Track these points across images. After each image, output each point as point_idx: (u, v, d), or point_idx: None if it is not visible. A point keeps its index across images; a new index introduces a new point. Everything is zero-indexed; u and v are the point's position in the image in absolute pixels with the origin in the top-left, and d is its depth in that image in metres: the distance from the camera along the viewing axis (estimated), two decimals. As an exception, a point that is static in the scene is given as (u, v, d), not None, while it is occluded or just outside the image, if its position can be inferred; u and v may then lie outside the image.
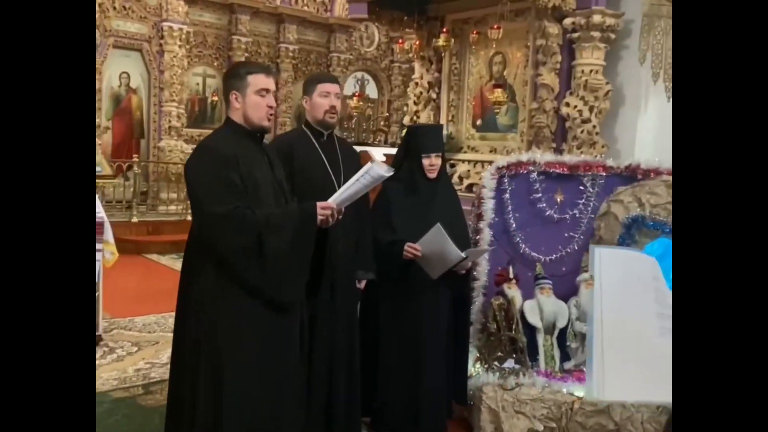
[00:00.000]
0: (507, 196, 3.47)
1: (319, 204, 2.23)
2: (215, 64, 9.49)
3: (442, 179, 3.15)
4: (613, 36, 3.84)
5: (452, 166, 4.63)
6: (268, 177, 2.27)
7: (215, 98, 9.47)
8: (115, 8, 8.29)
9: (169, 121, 8.76)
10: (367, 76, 11.35)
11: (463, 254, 2.88)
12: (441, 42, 4.26)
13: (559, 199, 3.51)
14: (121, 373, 3.63)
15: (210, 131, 8.21)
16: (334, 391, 2.77)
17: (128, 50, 8.56)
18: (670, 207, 3.36)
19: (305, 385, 2.65)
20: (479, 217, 3.48)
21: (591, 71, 3.84)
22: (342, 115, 11.32)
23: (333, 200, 2.28)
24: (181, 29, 8.72)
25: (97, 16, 8.01)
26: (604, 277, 2.45)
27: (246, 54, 9.54)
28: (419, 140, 3.07)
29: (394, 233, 3.03)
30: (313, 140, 2.79)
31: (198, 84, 9.41)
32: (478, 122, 4.60)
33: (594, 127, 3.87)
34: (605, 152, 3.92)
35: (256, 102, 2.24)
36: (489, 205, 3.45)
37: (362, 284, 2.98)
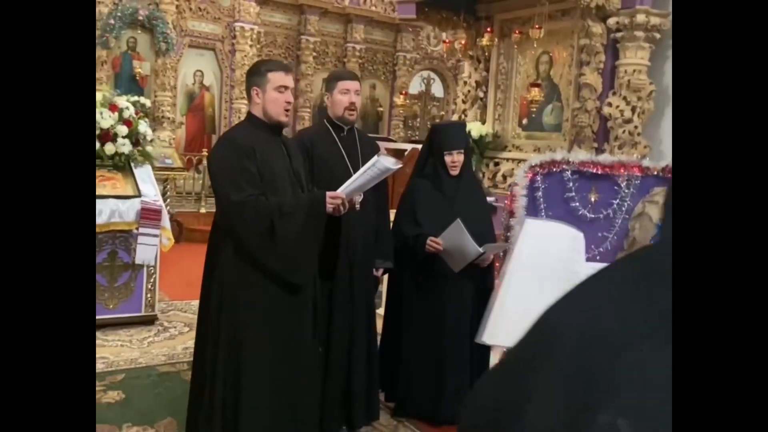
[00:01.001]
0: (540, 194, 3.51)
1: (329, 193, 2.38)
2: (285, 63, 9.82)
3: (465, 175, 3.24)
4: (658, 36, 3.79)
5: (496, 164, 4.67)
6: (284, 167, 2.44)
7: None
8: (191, 9, 8.73)
9: (239, 117, 9.12)
10: (433, 75, 11.42)
11: (480, 249, 2.96)
12: (485, 41, 4.32)
13: (593, 199, 3.51)
14: (170, 350, 3.90)
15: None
16: (353, 375, 2.90)
17: (202, 49, 8.99)
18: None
19: (324, 370, 2.81)
20: (511, 213, 3.53)
21: (634, 71, 3.81)
22: (408, 114, 11.47)
23: (341, 191, 2.42)
24: (252, 29, 9.08)
25: (174, 17, 8.48)
26: (525, 244, 2.48)
27: (314, 53, 9.83)
28: (442, 138, 3.16)
29: (418, 227, 3.14)
30: (334, 135, 2.93)
31: (267, 82, 9.77)
32: (524, 121, 4.62)
33: (636, 127, 3.84)
34: (647, 153, 3.87)
35: (275, 98, 2.41)
36: (521, 202, 3.49)
37: (380, 272, 3.10)
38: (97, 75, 8.02)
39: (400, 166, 2.61)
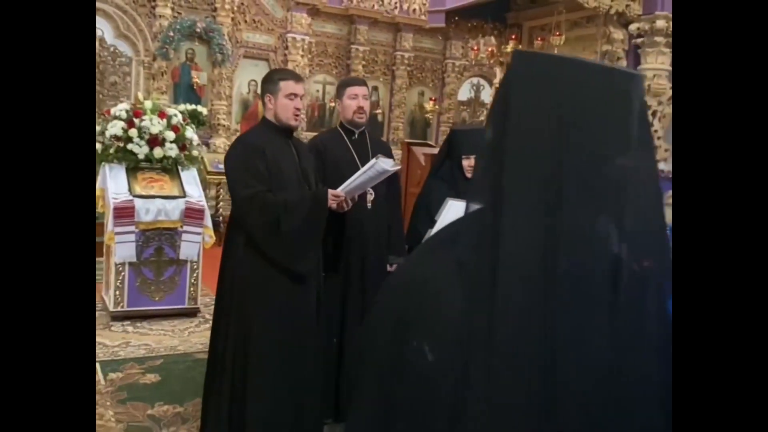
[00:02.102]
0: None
1: (331, 191, 2.59)
2: (334, 72, 10.13)
3: None
4: (678, 40, 3.84)
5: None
6: (293, 166, 2.66)
7: (332, 104, 10.10)
8: (246, 21, 9.15)
9: (290, 125, 9.50)
10: (482, 82, 11.51)
11: None
12: (509, 48, 4.45)
13: (607, 201, 3.59)
14: (207, 340, 4.18)
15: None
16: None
17: (256, 60, 9.39)
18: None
19: (338, 361, 3.00)
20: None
21: (654, 76, 3.87)
22: (456, 120, 11.60)
23: (341, 189, 2.62)
24: (303, 40, 9.43)
25: (230, 29, 8.92)
26: (444, 218, 2.64)
27: (363, 62, 10.10)
28: (460, 142, 3.31)
29: (427, 225, 3.30)
30: (345, 138, 3.14)
31: (318, 91, 10.09)
32: (551, 126, 4.72)
33: (656, 131, 3.88)
34: (668, 157, 3.91)
35: (285, 104, 2.64)
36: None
37: (393, 268, 3.28)
38: (158, 85, 8.54)
39: (399, 168, 2.79)
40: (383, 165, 2.63)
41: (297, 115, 2.72)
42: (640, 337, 0.88)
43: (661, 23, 3.75)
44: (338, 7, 9.82)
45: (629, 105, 0.82)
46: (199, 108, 8.55)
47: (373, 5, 9.97)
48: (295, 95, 2.69)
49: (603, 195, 0.87)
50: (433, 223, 3.43)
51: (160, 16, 8.42)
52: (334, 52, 10.08)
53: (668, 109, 3.90)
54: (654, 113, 3.90)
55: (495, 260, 0.86)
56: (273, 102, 2.69)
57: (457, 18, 4.76)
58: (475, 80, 11.57)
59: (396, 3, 10.12)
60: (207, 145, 8.64)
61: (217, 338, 2.72)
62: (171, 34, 8.43)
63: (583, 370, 0.87)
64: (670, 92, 3.87)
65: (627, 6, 3.85)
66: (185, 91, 8.79)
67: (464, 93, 11.28)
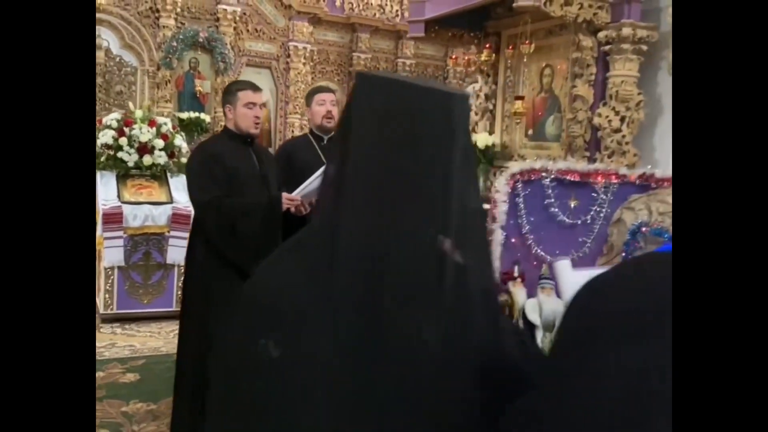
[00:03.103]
0: (520, 200, 3.69)
1: (286, 195, 2.71)
2: (336, 79, 10.27)
3: None
4: (644, 48, 3.90)
5: (502, 173, 4.85)
6: (253, 172, 2.79)
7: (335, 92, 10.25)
8: (248, 31, 9.34)
9: (293, 131, 9.64)
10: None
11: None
12: (484, 57, 4.54)
13: (572, 205, 3.66)
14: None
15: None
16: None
17: (259, 68, 9.57)
18: (676, 215, 3.40)
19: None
20: (493, 219, 3.73)
21: (622, 82, 3.93)
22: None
23: (296, 193, 2.74)
24: (305, 48, 9.58)
25: (232, 38, 9.10)
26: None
27: (365, 69, 10.22)
28: None
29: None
30: (315, 144, 3.26)
31: (321, 97, 10.23)
32: (530, 132, 4.79)
33: (624, 137, 3.95)
34: (636, 161, 3.98)
35: (245, 113, 2.78)
36: (502, 208, 3.69)
37: None
38: (162, 94, 8.75)
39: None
40: None
41: (257, 124, 2.85)
42: (465, 333, 0.98)
43: (627, 31, 3.82)
44: (340, 16, 9.97)
45: (452, 123, 0.91)
46: (202, 116, 8.75)
47: (375, 13, 10.11)
48: (254, 104, 2.82)
49: (429, 207, 0.95)
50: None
51: (163, 26, 8.64)
52: (336, 59, 10.23)
53: (636, 115, 3.96)
54: (623, 119, 3.96)
55: (333, 260, 0.96)
56: (233, 112, 2.82)
57: (437, 27, 4.86)
58: (478, 85, 11.64)
59: (397, 11, 10.24)
60: (210, 152, 8.82)
61: (181, 340, 2.85)
62: (174, 44, 8.64)
63: (412, 363, 0.96)
64: (638, 98, 3.93)
65: (595, 14, 3.92)
66: (189, 99, 8.99)
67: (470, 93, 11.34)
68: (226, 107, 2.84)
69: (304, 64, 9.64)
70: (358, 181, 0.93)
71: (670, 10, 3.80)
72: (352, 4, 10.07)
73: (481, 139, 4.81)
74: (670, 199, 3.40)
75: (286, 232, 2.86)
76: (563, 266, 2.59)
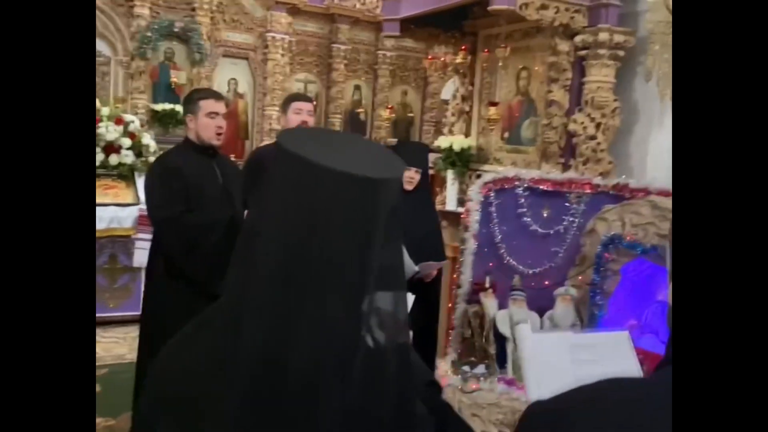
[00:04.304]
0: (493, 209, 3.62)
1: (249, 212, 2.62)
2: (315, 71, 10.13)
3: (419, 192, 3.40)
4: (621, 53, 3.83)
5: (478, 176, 4.78)
6: (215, 186, 2.69)
7: (314, 103, 10.12)
8: (225, 21, 9.15)
9: (270, 124, 9.50)
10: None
11: (416, 268, 3.13)
12: (459, 59, 4.45)
13: (545, 215, 3.60)
14: (156, 347, 4.24)
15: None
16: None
17: (236, 59, 9.39)
18: (649, 228, 3.35)
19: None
20: (465, 228, 3.65)
21: (598, 88, 3.86)
22: (440, 119, 11.58)
23: None
24: (283, 39, 9.41)
25: (209, 28, 8.91)
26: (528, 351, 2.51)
27: (345, 61, 10.09)
28: (403, 154, 3.34)
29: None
30: None
31: (300, 89, 10.07)
32: (506, 135, 4.72)
33: (599, 144, 3.89)
34: (611, 169, 3.92)
35: (206, 123, 2.67)
36: (475, 217, 3.62)
37: None
38: (136, 85, 8.54)
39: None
40: None
41: (219, 134, 2.74)
42: (374, 410, 0.91)
43: (603, 36, 3.74)
44: (319, 6, 9.80)
45: (373, 209, 0.84)
46: (177, 107, 8.57)
47: (355, 4, 9.95)
48: (216, 114, 2.72)
49: (342, 293, 0.88)
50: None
51: (137, 15, 8.42)
52: (315, 50, 10.06)
53: (612, 122, 3.90)
54: (598, 125, 3.89)
55: (235, 344, 0.89)
56: (194, 121, 2.71)
57: (412, 26, 4.75)
58: (454, 87, 11.55)
59: (377, 2, 10.09)
60: (185, 144, 8.66)
61: (140, 356, 2.76)
62: (149, 34, 8.43)
63: None
64: (614, 104, 3.87)
65: (572, 18, 3.84)
66: (164, 90, 8.79)
67: (448, 92, 11.25)
68: (187, 117, 2.73)
69: (282, 55, 9.47)
70: (268, 259, 0.86)
71: (648, 15, 3.73)
72: (332, -7, 9.91)
73: (457, 141, 4.73)
74: (644, 210, 3.34)
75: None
76: (524, 331, 2.50)
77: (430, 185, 3.54)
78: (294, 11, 9.58)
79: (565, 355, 2.31)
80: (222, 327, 0.92)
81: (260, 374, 0.88)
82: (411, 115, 10.93)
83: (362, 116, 10.52)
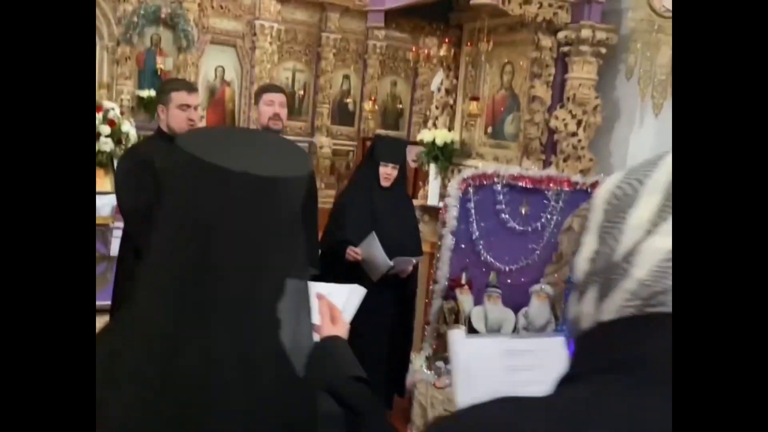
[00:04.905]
0: (471, 205, 3.60)
1: None
2: (304, 59, 10.06)
3: (397, 188, 3.38)
4: (604, 50, 3.81)
5: (461, 171, 4.76)
6: None
7: (302, 92, 10.06)
8: (212, 7, 9.06)
9: (257, 114, 9.43)
10: (457, 73, 11.44)
11: (390, 263, 3.11)
12: (443, 52, 4.41)
13: (523, 212, 3.59)
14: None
15: (298, 123, 8.93)
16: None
17: (223, 46, 9.31)
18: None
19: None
20: (443, 224, 3.64)
21: (580, 85, 3.84)
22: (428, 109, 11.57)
23: None
24: (272, 27, 9.33)
25: (196, 14, 8.82)
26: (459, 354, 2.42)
27: (334, 50, 10.02)
28: (381, 150, 3.32)
29: (344, 235, 3.30)
30: None
31: (288, 78, 10.02)
32: (489, 129, 4.70)
33: (579, 141, 3.87)
34: (592, 166, 3.91)
35: (177, 114, 2.63)
36: (453, 213, 3.60)
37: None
38: (121, 71, 8.45)
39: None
40: None
41: (191, 126, 2.70)
42: None
43: (586, 32, 3.72)
44: (308, -6, 9.73)
45: (270, 211, 0.82)
46: (163, 95, 8.50)
47: (345, -8, 9.88)
48: (188, 106, 2.68)
49: (231, 307, 0.85)
50: (344, 228, 3.44)
51: (124, 1, 8.32)
52: (304, 39, 10.00)
53: (593, 119, 3.88)
54: (579, 122, 3.88)
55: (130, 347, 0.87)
56: (165, 112, 2.68)
57: (398, 17, 4.71)
58: (439, 79, 11.50)
59: (368, -9, 10.02)
60: (171, 132, 8.59)
61: None
62: (135, 19, 8.34)
63: None
64: (595, 102, 3.85)
65: (555, 14, 3.81)
66: (150, 77, 8.71)
67: (436, 84, 11.20)
68: (159, 107, 2.70)
69: (270, 43, 9.40)
70: (166, 262, 0.84)
71: (630, 12, 3.71)
72: (323, -17, 9.83)
73: (440, 135, 4.71)
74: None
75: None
76: (456, 336, 2.42)
77: (407, 180, 3.51)
78: (283, -1, 9.51)
79: (497, 361, 2.29)
80: (122, 326, 0.91)
81: (150, 378, 0.86)
82: (400, 106, 10.88)
83: (350, 106, 10.47)
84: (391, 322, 3.35)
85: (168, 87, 2.70)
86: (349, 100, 10.44)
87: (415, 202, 4.95)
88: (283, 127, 3.18)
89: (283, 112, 3.14)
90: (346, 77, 10.48)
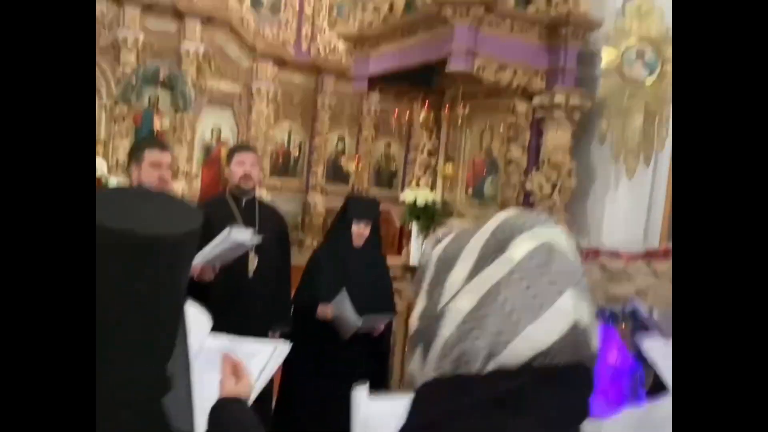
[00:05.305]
0: (446, 266, 3.61)
1: None
2: (299, 120, 10.26)
3: (369, 248, 3.40)
4: (578, 116, 3.90)
5: (426, 238, 4.80)
6: None
7: (297, 152, 10.23)
8: (211, 70, 9.31)
9: (252, 172, 9.55)
10: (450, 135, 11.66)
11: (359, 323, 3.12)
12: (422, 116, 4.52)
13: (498, 273, 3.59)
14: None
15: (293, 181, 8.95)
16: None
17: (220, 106, 9.52)
18: (598, 290, 3.35)
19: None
20: (418, 283, 3.64)
21: (554, 149, 3.92)
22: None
23: (196, 260, 2.63)
24: (268, 90, 9.57)
25: (194, 76, 9.06)
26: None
27: (329, 113, 10.24)
28: (353, 209, 3.36)
29: (316, 293, 3.31)
30: (232, 205, 3.17)
31: (283, 138, 10.20)
32: (470, 190, 4.76)
33: (554, 204, 3.92)
34: (568, 229, 3.94)
35: (149, 173, 2.68)
36: (429, 273, 3.61)
37: (277, 335, 3.27)
38: (118, 129, 8.63)
39: (257, 241, 2.79)
40: (237, 236, 2.64)
41: (162, 184, 2.75)
42: None
43: (559, 98, 3.81)
44: (305, 59, 10.01)
45: (153, 270, 0.85)
46: (158, 153, 8.63)
47: (341, 58, 10.15)
48: (160, 164, 2.72)
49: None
50: (316, 286, 3.44)
51: (124, 63, 8.57)
52: (300, 101, 10.23)
53: (567, 182, 3.94)
54: (554, 186, 3.93)
55: None
56: (137, 171, 2.72)
57: (382, 83, 4.84)
58: (421, 143, 11.72)
59: (363, 56, 10.32)
60: (164, 189, 8.68)
61: None
62: (134, 80, 8.57)
63: None
64: (569, 165, 3.91)
65: (529, 80, 3.92)
66: (146, 136, 8.86)
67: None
68: (132, 166, 2.74)
69: (267, 105, 9.62)
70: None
71: (601, 80, 3.82)
72: (319, 48, 10.12)
73: (421, 195, 4.77)
74: (593, 273, 3.34)
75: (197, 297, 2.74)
76: (357, 394, 2.37)
77: (381, 239, 3.54)
78: (280, 62, 9.77)
79: (397, 422, 2.22)
80: None
81: None
82: (394, 166, 11.04)
83: (344, 166, 10.61)
84: (365, 379, 3.31)
85: (141, 145, 2.76)
86: (343, 160, 10.60)
87: (398, 261, 4.97)
88: (255, 186, 3.23)
89: (255, 171, 3.19)
90: (341, 139, 10.67)
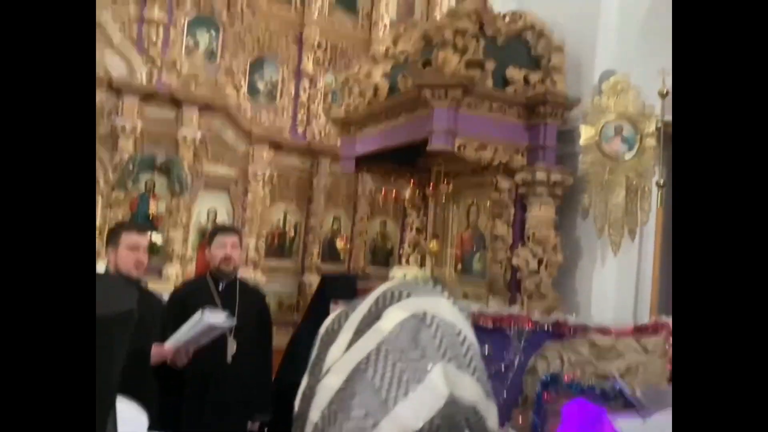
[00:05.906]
0: (432, 345, 3.54)
1: (155, 348, 2.55)
2: (295, 202, 10.35)
3: None
4: (559, 191, 3.93)
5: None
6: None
7: (293, 233, 10.27)
8: (207, 156, 9.47)
9: (247, 254, 9.55)
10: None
11: None
12: (408, 194, 4.56)
13: (486, 352, 3.52)
14: None
15: (288, 262, 8.92)
16: None
17: (217, 190, 9.63)
18: (587, 367, 3.26)
19: None
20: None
21: (538, 224, 3.92)
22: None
23: (170, 343, 2.58)
24: (264, 173, 9.70)
25: (191, 161, 9.20)
26: None
27: (325, 194, 10.34)
28: (329, 288, 3.34)
29: (299, 375, 3.23)
30: (212, 288, 3.14)
31: (279, 219, 10.26)
32: (459, 267, 4.74)
33: (541, 279, 3.88)
34: (557, 305, 3.89)
35: (125, 255, 2.67)
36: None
37: (256, 426, 3.16)
38: (114, 214, 8.69)
39: (232, 323, 2.75)
40: (210, 319, 2.60)
41: (137, 267, 2.73)
42: None
43: (541, 175, 3.85)
44: (301, 143, 10.20)
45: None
46: (154, 237, 8.66)
47: (335, 142, 10.34)
48: (137, 247, 2.72)
49: None
50: (299, 369, 3.36)
51: (121, 149, 8.73)
52: (295, 183, 10.34)
53: (554, 257, 3.92)
54: (540, 261, 3.91)
55: None
56: (114, 254, 2.72)
57: (369, 163, 4.91)
58: (409, 219, 11.80)
59: (357, 138, 10.52)
60: (159, 273, 8.65)
61: None
62: (131, 167, 8.70)
63: None
64: (554, 240, 3.91)
65: (510, 157, 3.97)
66: (142, 220, 8.91)
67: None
68: (109, 249, 2.74)
69: (263, 187, 9.72)
70: None
71: (581, 156, 3.87)
72: (314, 132, 10.35)
73: (410, 272, 4.74)
74: (582, 349, 3.27)
75: (163, 386, 2.68)
76: None
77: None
78: (276, 146, 9.94)
79: None
80: None
81: None
82: (390, 245, 11.04)
83: (339, 246, 10.62)
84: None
85: (119, 229, 2.77)
86: (338, 240, 10.61)
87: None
88: (235, 268, 3.22)
89: (235, 253, 3.18)
90: (337, 218, 10.73)
